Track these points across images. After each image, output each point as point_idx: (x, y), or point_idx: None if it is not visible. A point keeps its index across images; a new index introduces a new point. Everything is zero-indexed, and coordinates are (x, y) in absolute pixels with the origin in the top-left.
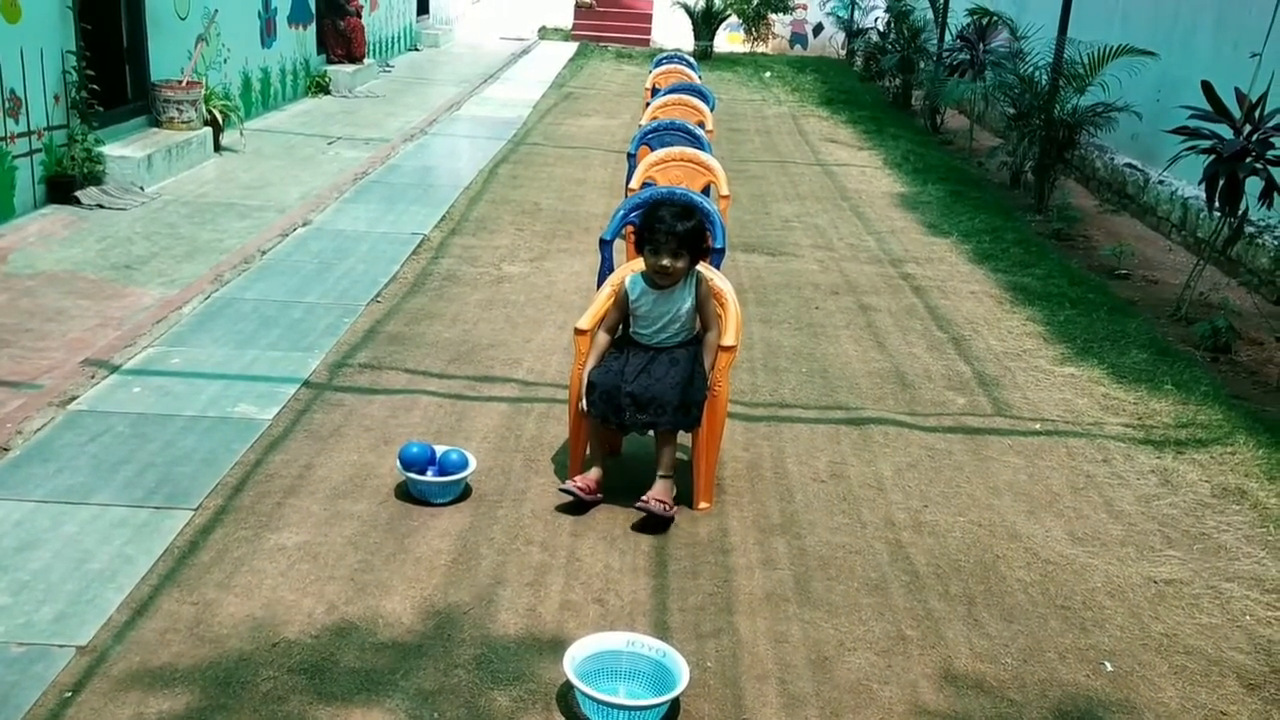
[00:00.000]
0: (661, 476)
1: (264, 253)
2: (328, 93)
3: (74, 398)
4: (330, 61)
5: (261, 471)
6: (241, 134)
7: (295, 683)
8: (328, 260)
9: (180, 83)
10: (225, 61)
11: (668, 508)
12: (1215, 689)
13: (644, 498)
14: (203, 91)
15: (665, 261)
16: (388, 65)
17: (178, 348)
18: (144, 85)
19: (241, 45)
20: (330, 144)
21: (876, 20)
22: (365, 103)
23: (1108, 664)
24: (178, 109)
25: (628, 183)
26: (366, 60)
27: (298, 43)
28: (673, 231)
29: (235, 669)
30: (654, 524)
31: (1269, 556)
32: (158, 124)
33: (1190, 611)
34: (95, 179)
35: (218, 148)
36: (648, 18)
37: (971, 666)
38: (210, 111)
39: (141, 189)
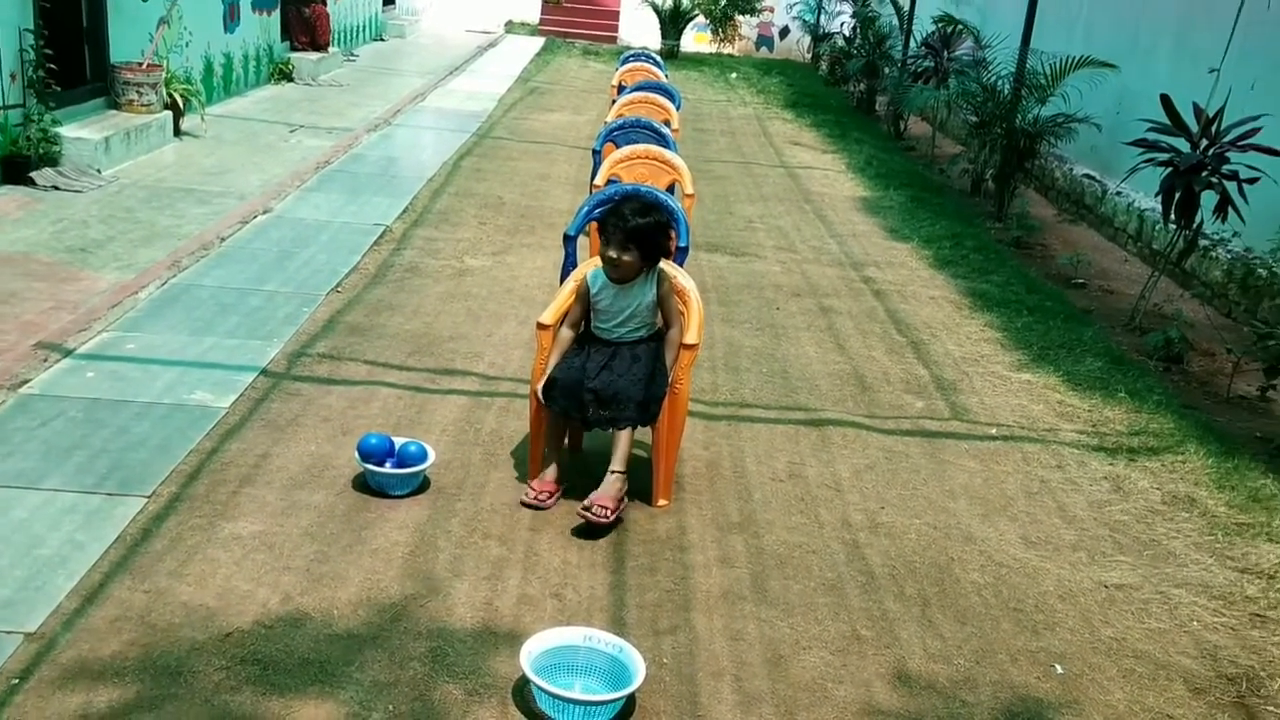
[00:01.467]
0: (614, 472)
1: (223, 239)
2: (291, 80)
3: (26, 381)
4: (294, 49)
5: (217, 460)
6: (202, 119)
7: (248, 673)
8: (288, 249)
9: (140, 65)
10: (187, 45)
11: (609, 513)
12: (1162, 693)
13: (587, 501)
14: (163, 74)
15: (612, 253)
16: (352, 54)
17: (133, 333)
18: (103, 66)
19: (204, 29)
20: (293, 132)
21: (842, 25)
22: (329, 91)
23: (1058, 666)
24: (137, 91)
25: (592, 179)
26: (331, 49)
27: (261, 28)
28: (622, 225)
29: (187, 659)
30: (592, 531)
31: (1216, 564)
32: (117, 106)
33: (1139, 616)
34: (51, 160)
35: (178, 132)
36: (615, 15)
37: (925, 667)
38: (171, 95)
39: (99, 172)
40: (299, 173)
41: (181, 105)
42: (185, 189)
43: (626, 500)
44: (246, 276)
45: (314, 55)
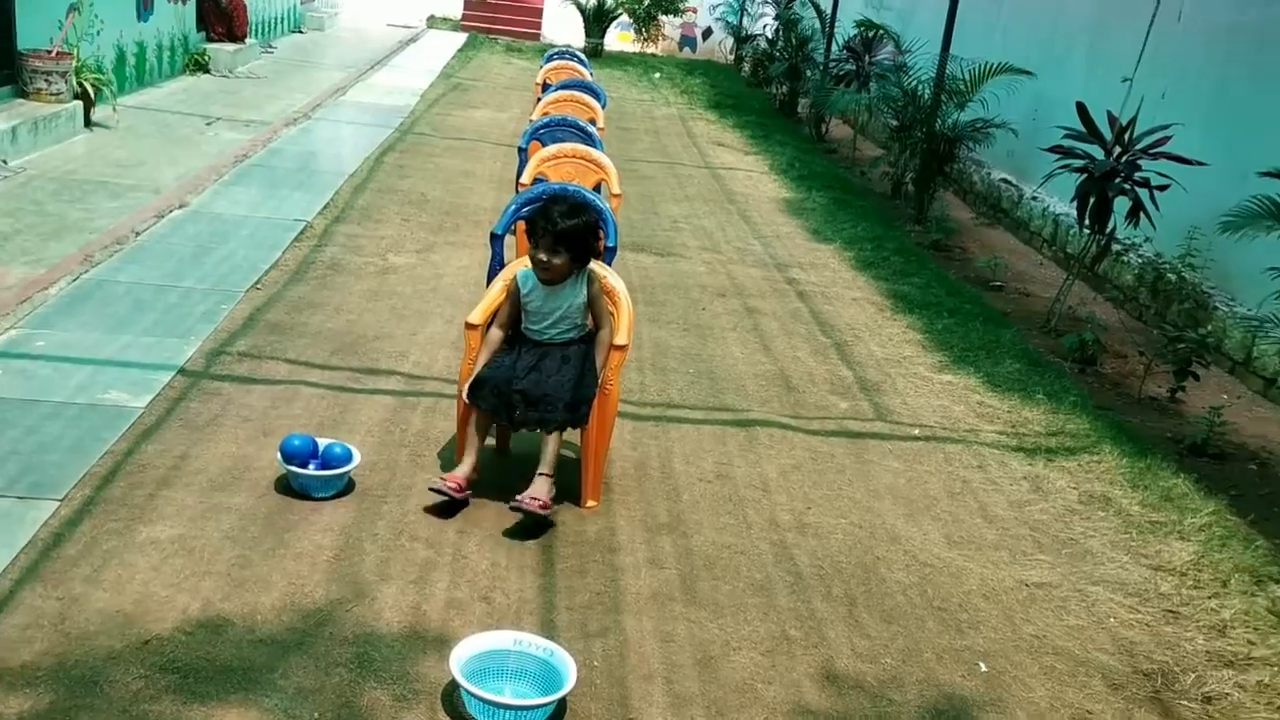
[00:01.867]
0: (541, 474)
1: (138, 234)
2: (207, 71)
3: None
4: (210, 40)
5: (133, 461)
6: (115, 110)
7: (167, 682)
8: (206, 244)
9: (50, 53)
10: (99, 33)
11: (543, 506)
12: (1082, 688)
13: (518, 497)
14: (74, 63)
15: (542, 256)
16: (270, 46)
17: (43, 330)
18: (10, 54)
19: (116, 17)
20: (209, 124)
21: (765, 27)
22: (246, 84)
23: (982, 665)
24: (46, 80)
25: (518, 177)
26: (248, 40)
27: (176, 18)
28: (551, 228)
29: (103, 667)
30: (530, 528)
31: (1132, 561)
32: (24, 95)
33: (1059, 614)
34: None
35: (89, 123)
36: (538, 12)
37: (852, 666)
38: (81, 84)
39: (4, 162)
40: (216, 166)
41: (93, 95)
42: (97, 181)
43: (553, 504)
44: (163, 272)
45: (230, 46)
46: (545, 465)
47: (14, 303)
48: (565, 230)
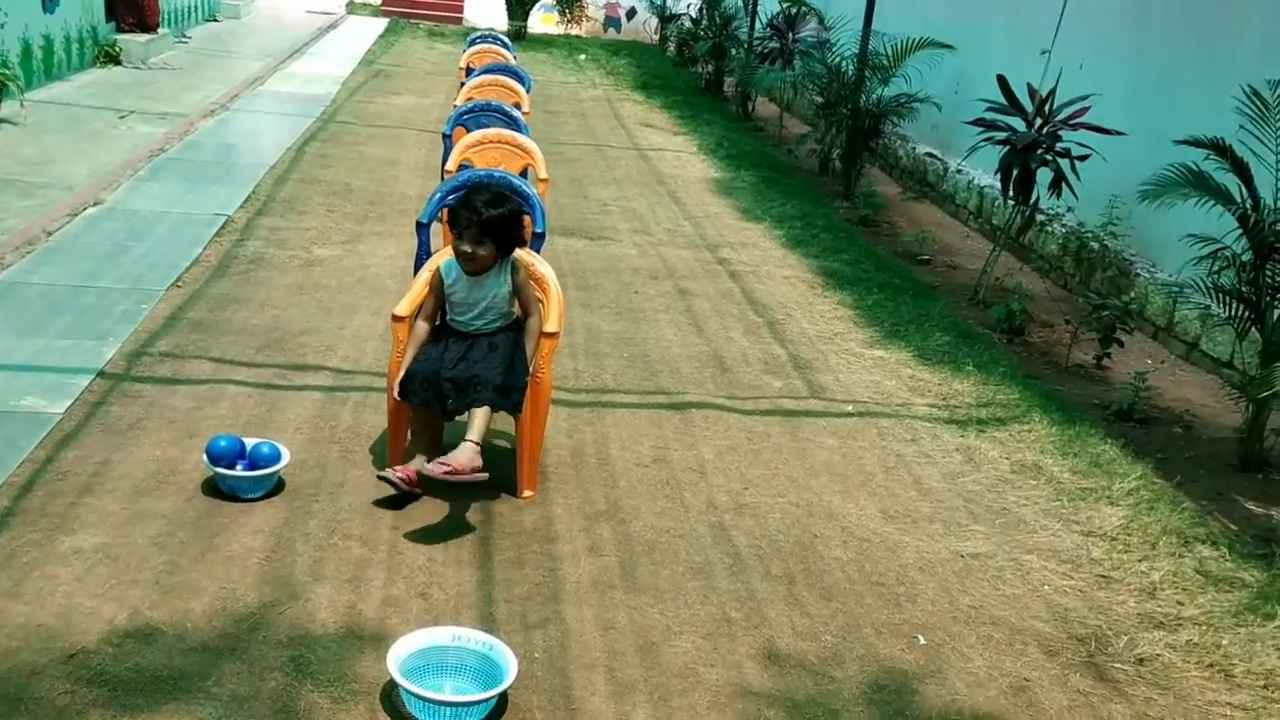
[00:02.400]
0: (468, 440)
1: (50, 234)
2: (118, 63)
3: None
4: (120, 30)
5: (53, 469)
6: (22, 105)
7: (95, 695)
8: (122, 242)
9: None
10: (2, 26)
11: (449, 471)
12: (1019, 657)
13: (434, 462)
14: None
15: (466, 247)
16: (184, 36)
17: None
18: None
19: (20, 9)
20: (122, 118)
21: (689, 6)
22: (160, 75)
23: (920, 637)
24: None
25: (444, 164)
26: (160, 30)
27: (84, 9)
28: (475, 218)
29: (26, 684)
30: (455, 529)
31: (1063, 529)
32: None
33: (995, 584)
34: None
35: None
36: None
37: (793, 645)
38: None
39: None
40: (131, 161)
41: None
42: (5, 180)
43: (485, 478)
44: (78, 273)
45: (142, 37)
46: (473, 433)
47: None
48: (490, 220)
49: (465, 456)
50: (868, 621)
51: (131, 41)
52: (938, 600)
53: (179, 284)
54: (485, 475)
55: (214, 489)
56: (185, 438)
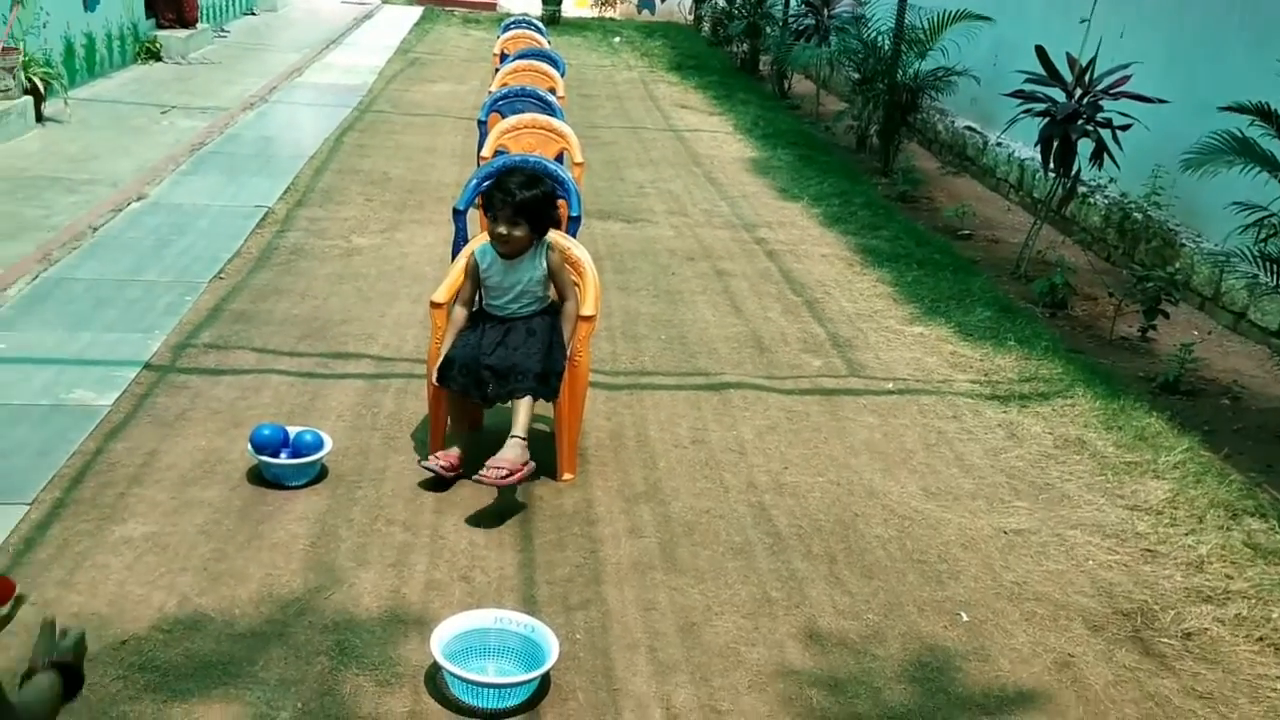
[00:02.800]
0: (514, 437)
1: (96, 229)
2: (159, 59)
3: None
4: (160, 26)
5: (102, 461)
6: (66, 103)
7: (146, 680)
8: (166, 236)
9: None
10: (45, 26)
11: (502, 473)
12: (1063, 632)
13: (483, 471)
14: (20, 58)
15: (502, 229)
16: (223, 30)
17: (4, 332)
18: None
19: (61, 9)
20: (164, 113)
21: None
22: (200, 70)
23: (963, 614)
24: None
25: (479, 151)
26: (200, 25)
27: (124, 6)
28: (509, 200)
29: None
30: (496, 514)
31: (1108, 503)
32: None
33: (1038, 559)
34: None
35: (40, 118)
36: None
37: (835, 624)
38: (30, 79)
39: None
40: (173, 156)
41: (42, 90)
42: (52, 178)
43: (533, 469)
44: (123, 267)
45: (182, 32)
46: (517, 428)
47: None
48: (523, 201)
49: (514, 454)
50: (909, 599)
51: (171, 37)
52: (980, 577)
53: (221, 276)
54: (533, 465)
55: (259, 477)
56: (230, 427)
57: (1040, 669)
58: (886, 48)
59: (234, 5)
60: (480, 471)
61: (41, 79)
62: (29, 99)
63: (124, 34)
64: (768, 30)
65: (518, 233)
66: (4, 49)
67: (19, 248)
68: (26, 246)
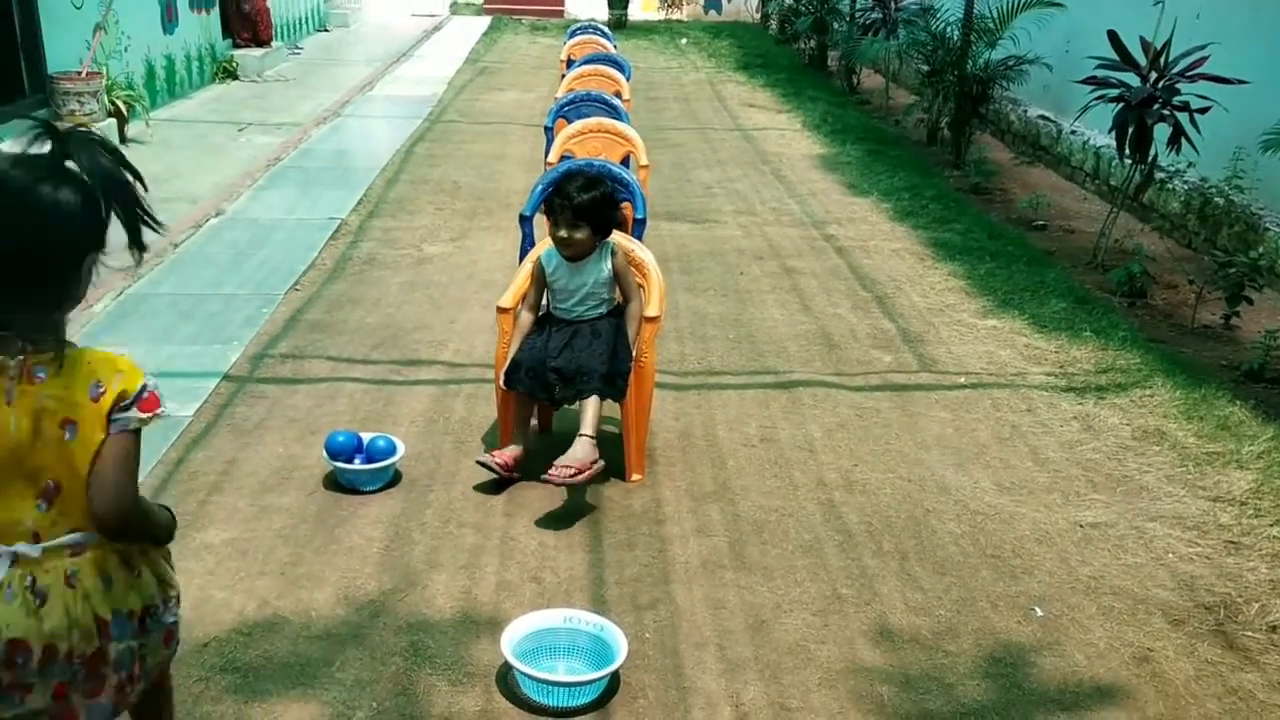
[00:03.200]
0: (582, 435)
1: (177, 245)
2: (236, 78)
3: None
4: (237, 46)
5: (184, 469)
6: (148, 124)
7: (227, 681)
8: (243, 250)
9: (79, 74)
10: (126, 50)
11: (570, 471)
12: (1142, 627)
13: (553, 465)
14: (104, 82)
15: (563, 233)
16: (297, 47)
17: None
18: (41, 78)
19: (142, 32)
20: (241, 130)
21: None
22: (275, 87)
23: (1038, 609)
24: (78, 101)
25: (546, 157)
26: (274, 43)
27: (201, 27)
28: (568, 203)
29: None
30: (566, 517)
31: (1189, 495)
32: (58, 118)
33: (1115, 553)
34: None
35: (124, 139)
36: None
37: (906, 621)
38: (113, 102)
39: None
40: (250, 172)
41: (125, 112)
42: None
43: (602, 467)
44: (203, 281)
45: (258, 51)
46: (585, 427)
47: None
48: (581, 204)
49: (582, 453)
50: (983, 595)
51: (247, 56)
52: (1055, 571)
53: (297, 287)
54: (602, 464)
55: (334, 483)
56: (306, 435)
57: (1118, 664)
58: (955, 38)
59: (307, 23)
60: (548, 471)
61: (124, 101)
62: (113, 121)
63: (202, 55)
64: (835, 25)
65: (579, 235)
66: (88, 74)
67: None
68: (111, 264)
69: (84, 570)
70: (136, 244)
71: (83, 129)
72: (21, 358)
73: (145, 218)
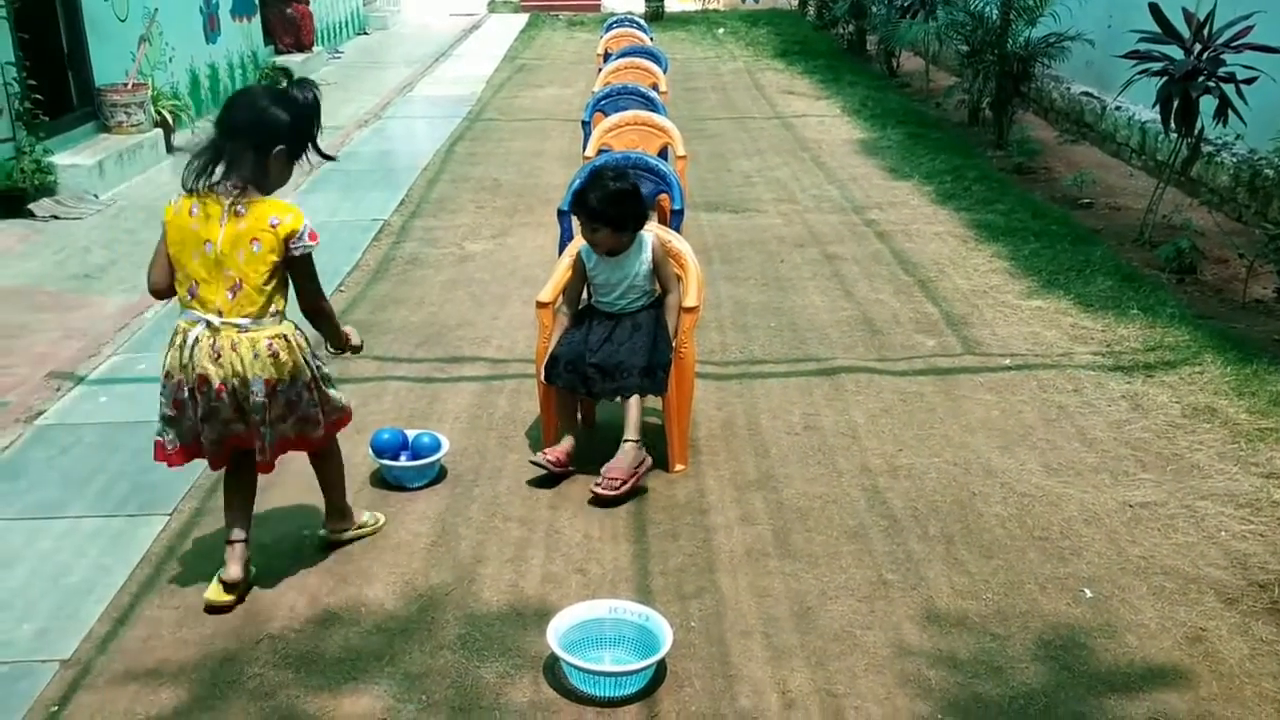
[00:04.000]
0: (627, 440)
1: None
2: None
3: (40, 413)
4: (279, 52)
5: None
6: (194, 133)
7: (282, 677)
8: None
9: (126, 85)
10: (170, 60)
11: (619, 484)
12: (1194, 606)
13: (600, 476)
14: (149, 93)
15: (586, 234)
16: (337, 51)
17: (143, 353)
18: (89, 91)
19: (186, 42)
20: None
21: None
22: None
23: (1087, 590)
24: (125, 112)
25: (584, 151)
26: (315, 48)
27: (244, 35)
28: (586, 207)
29: (220, 668)
30: (607, 501)
31: (1241, 472)
32: (107, 129)
33: (1166, 532)
34: (48, 190)
35: (170, 148)
36: None
37: (953, 604)
38: (160, 112)
39: (96, 196)
40: (293, 176)
41: (172, 121)
42: None
43: (649, 465)
44: None
45: (299, 56)
46: (630, 431)
47: (113, 330)
48: (594, 209)
49: (627, 460)
50: (1031, 577)
51: (289, 61)
52: (1105, 552)
53: (341, 289)
54: (650, 461)
55: (380, 480)
56: (353, 433)
57: (1170, 644)
58: (995, 17)
59: (348, 26)
60: (596, 485)
61: (170, 111)
62: (159, 131)
63: (245, 62)
64: (873, 9)
65: (598, 236)
66: (134, 85)
67: None
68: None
69: (242, 344)
70: (309, 157)
71: (306, 78)
72: (233, 197)
73: (315, 143)
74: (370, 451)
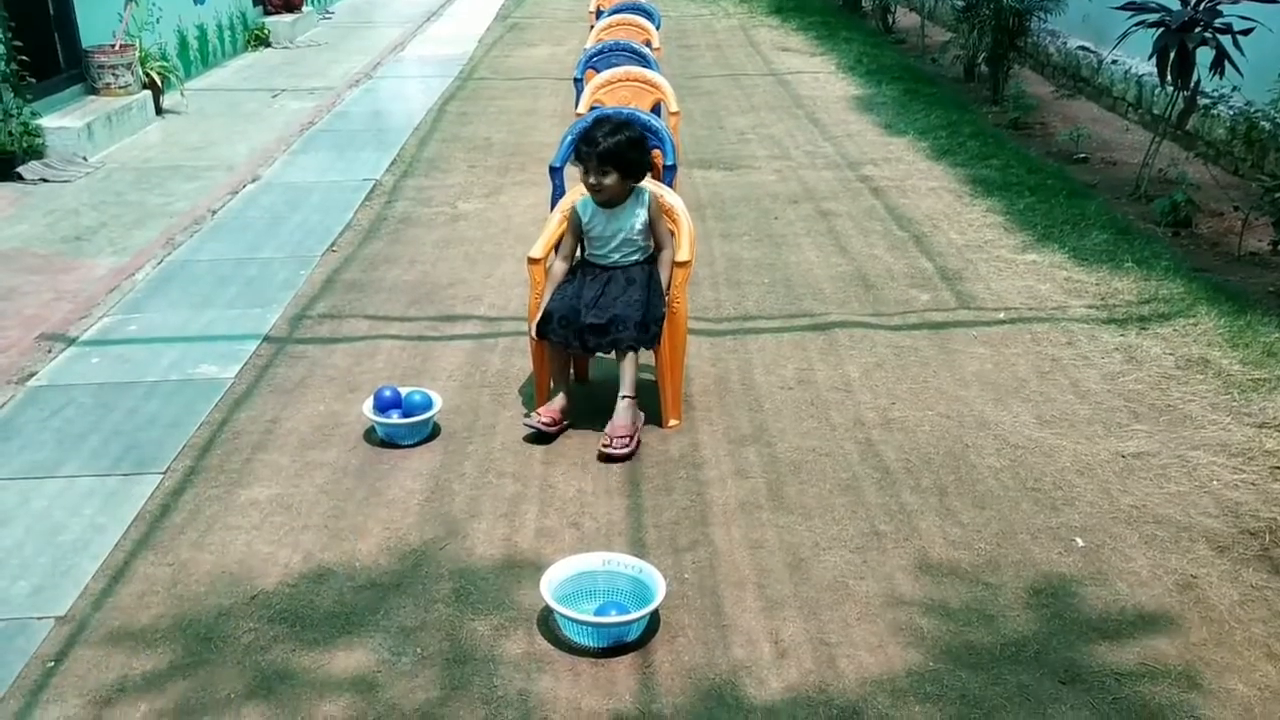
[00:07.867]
0: (624, 397)
1: (214, 212)
2: (268, 45)
3: (33, 374)
4: (268, 13)
5: (228, 429)
6: (183, 94)
7: (276, 632)
8: (280, 214)
9: (113, 46)
10: (158, 21)
11: (628, 441)
12: (1185, 554)
13: (605, 437)
14: (137, 54)
15: (592, 179)
16: (328, 12)
17: (134, 315)
18: (76, 52)
19: (173, 3)
20: (275, 97)
21: None
22: (308, 52)
23: (1079, 540)
24: (113, 74)
25: (576, 108)
26: (305, 8)
27: None
28: (594, 149)
29: (215, 624)
30: (618, 459)
31: (1234, 422)
32: (94, 91)
33: (1158, 482)
34: (36, 152)
35: (159, 110)
36: None
37: (946, 555)
38: (148, 74)
39: (85, 159)
40: (284, 137)
41: (160, 83)
42: (172, 166)
43: (642, 418)
44: (241, 246)
45: (288, 17)
46: (626, 388)
47: (104, 292)
48: (608, 149)
49: (627, 418)
50: (1023, 527)
51: (279, 23)
52: (1097, 502)
53: (334, 249)
54: (642, 416)
55: (374, 438)
56: (346, 392)
57: (1161, 591)
58: None
59: None
60: (604, 446)
61: (158, 73)
62: (148, 93)
63: (233, 23)
64: None
65: (607, 180)
66: (121, 46)
67: (145, 234)
68: (152, 233)
69: None
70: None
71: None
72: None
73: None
74: (371, 407)
